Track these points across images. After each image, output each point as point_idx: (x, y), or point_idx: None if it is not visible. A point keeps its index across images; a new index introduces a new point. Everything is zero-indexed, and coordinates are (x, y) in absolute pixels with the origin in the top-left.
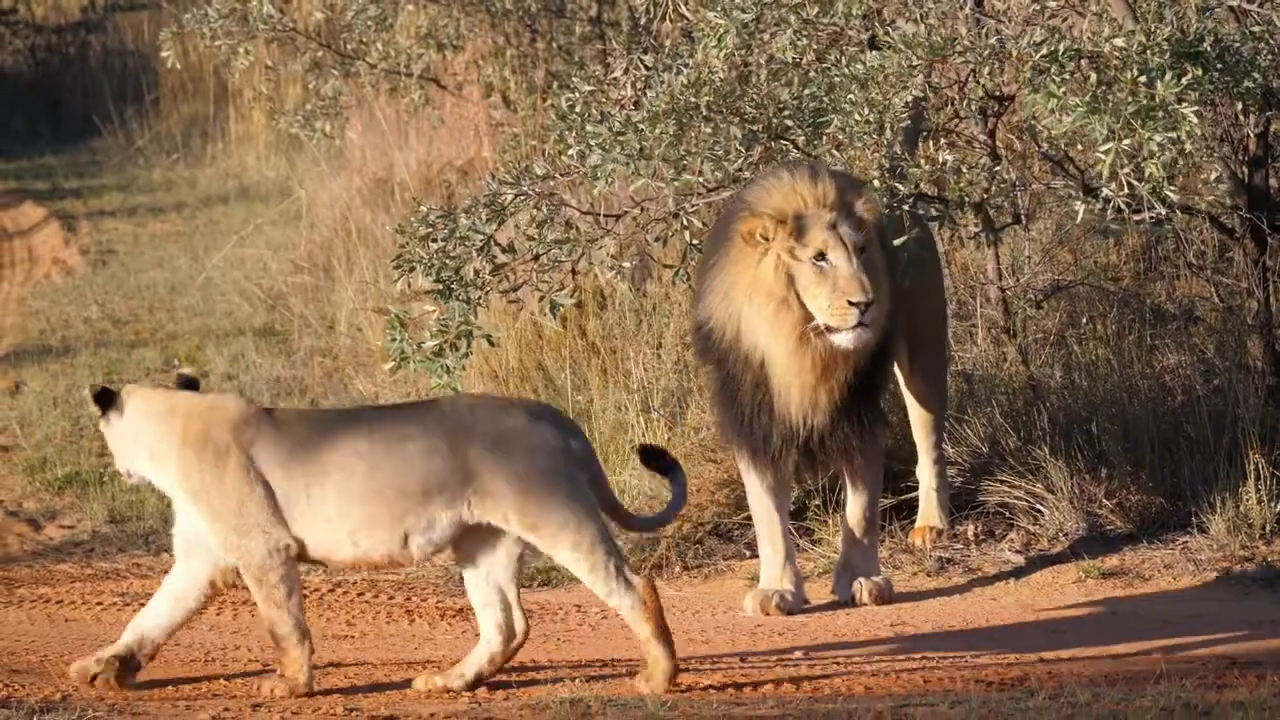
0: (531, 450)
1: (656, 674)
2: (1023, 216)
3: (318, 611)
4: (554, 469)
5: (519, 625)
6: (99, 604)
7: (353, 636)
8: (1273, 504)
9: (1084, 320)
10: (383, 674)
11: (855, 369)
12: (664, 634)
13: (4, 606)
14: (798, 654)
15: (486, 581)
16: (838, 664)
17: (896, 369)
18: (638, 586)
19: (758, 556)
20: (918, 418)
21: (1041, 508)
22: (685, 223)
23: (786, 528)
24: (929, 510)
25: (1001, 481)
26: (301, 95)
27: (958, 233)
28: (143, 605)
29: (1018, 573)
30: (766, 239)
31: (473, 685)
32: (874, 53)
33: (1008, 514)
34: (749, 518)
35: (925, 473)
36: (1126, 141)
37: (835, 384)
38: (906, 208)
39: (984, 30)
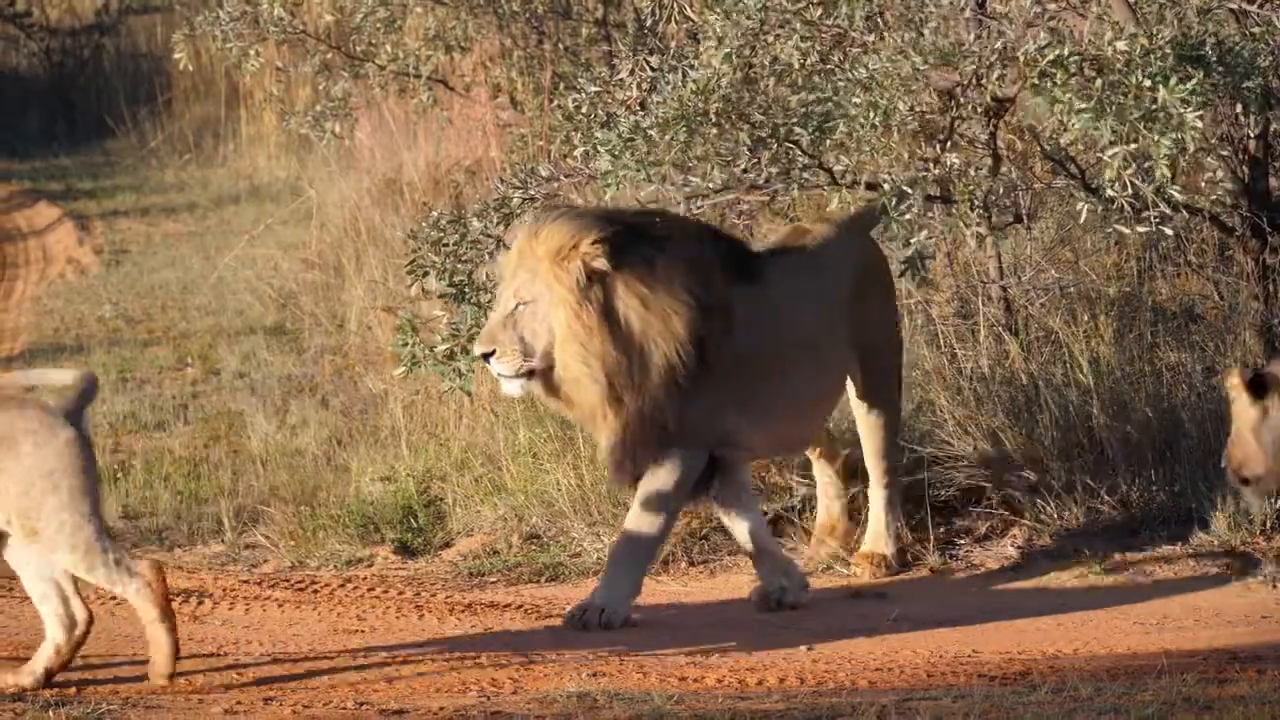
0: (37, 449)
1: (159, 657)
2: (1024, 216)
3: (328, 606)
4: (59, 469)
5: (80, 615)
6: (113, 598)
7: (363, 631)
8: (1273, 500)
9: (1085, 318)
10: (393, 669)
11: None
12: (168, 616)
13: (19, 602)
14: (802, 649)
15: (39, 577)
16: (841, 658)
17: (850, 390)
18: (142, 572)
19: None
20: (866, 441)
21: (1043, 503)
22: None
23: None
24: (874, 536)
25: (1004, 478)
26: (311, 96)
27: (960, 233)
28: None
29: (1019, 569)
30: None
31: (44, 681)
32: (878, 55)
33: (1009, 510)
34: None
35: (873, 497)
36: (1133, 145)
37: (601, 409)
38: (909, 216)
39: (987, 33)
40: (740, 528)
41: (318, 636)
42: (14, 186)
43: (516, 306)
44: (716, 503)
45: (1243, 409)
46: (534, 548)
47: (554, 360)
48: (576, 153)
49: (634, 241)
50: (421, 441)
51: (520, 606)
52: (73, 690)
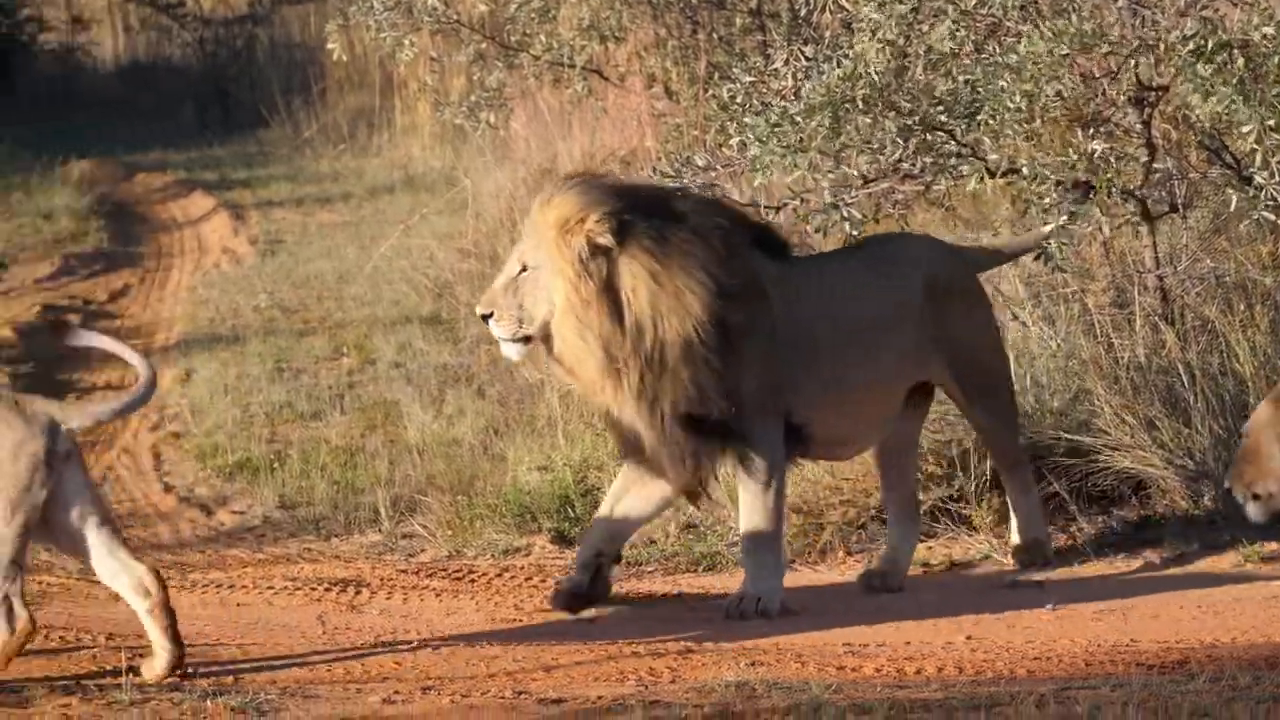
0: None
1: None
2: (1180, 205)
3: (485, 595)
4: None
5: (21, 616)
6: (270, 588)
7: (520, 620)
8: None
9: (1241, 308)
10: (550, 657)
11: (600, 369)
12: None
13: (177, 591)
14: (960, 638)
15: None
16: (999, 648)
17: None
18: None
19: (925, 539)
20: (988, 448)
21: (1201, 493)
22: (844, 214)
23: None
24: (1023, 527)
25: (1161, 468)
26: (466, 86)
27: (1113, 222)
28: (314, 589)
29: (1178, 558)
30: None
31: None
32: (1026, 40)
33: (1167, 500)
34: None
35: (1010, 492)
36: (1272, 122)
37: (600, 383)
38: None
39: (1139, 21)
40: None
41: (475, 626)
42: (169, 177)
43: (521, 272)
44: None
45: (1266, 421)
46: (691, 537)
47: (552, 330)
48: (731, 142)
49: (647, 218)
50: (578, 431)
51: (678, 595)
52: (230, 680)
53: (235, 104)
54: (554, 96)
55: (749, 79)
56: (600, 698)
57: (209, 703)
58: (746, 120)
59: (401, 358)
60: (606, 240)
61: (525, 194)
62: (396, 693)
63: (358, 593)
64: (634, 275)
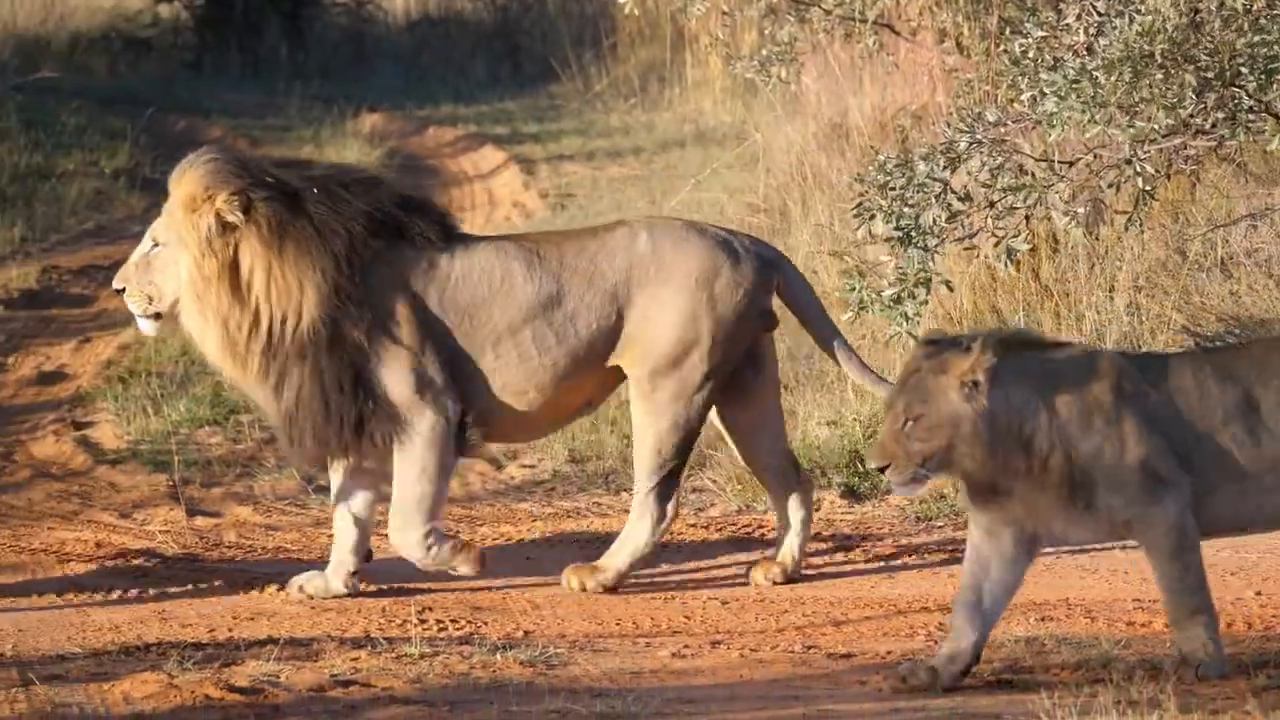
0: None
1: None
2: None
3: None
4: None
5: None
6: (561, 542)
7: (808, 575)
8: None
9: None
10: (840, 613)
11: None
12: None
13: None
14: (1250, 593)
15: None
16: None
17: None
18: None
19: None
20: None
21: None
22: (1138, 169)
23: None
24: None
25: None
26: (757, 41)
27: None
28: (603, 544)
29: None
30: None
31: None
32: None
33: None
34: None
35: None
36: None
37: (222, 360)
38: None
39: None
40: None
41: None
42: (460, 131)
43: (153, 247)
44: None
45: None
46: None
47: (179, 307)
48: (1023, 97)
49: (275, 200)
50: None
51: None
52: (520, 634)
53: (526, 57)
54: (845, 51)
55: (1040, 33)
56: (889, 652)
57: (498, 656)
58: (1043, 76)
59: None
60: (235, 218)
61: (816, 149)
62: (686, 647)
63: None
64: (253, 258)
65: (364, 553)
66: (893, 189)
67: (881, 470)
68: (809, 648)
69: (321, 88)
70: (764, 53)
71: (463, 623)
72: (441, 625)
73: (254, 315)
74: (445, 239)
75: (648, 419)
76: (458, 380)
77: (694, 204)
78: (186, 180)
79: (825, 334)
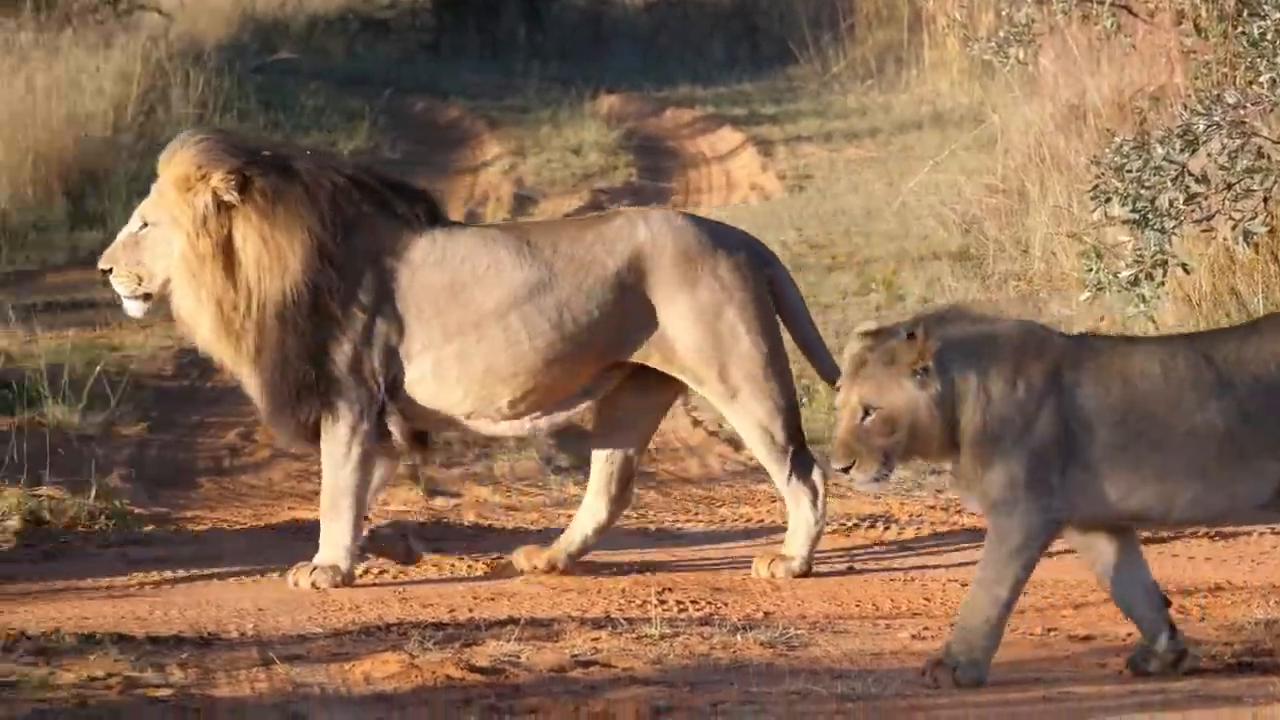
0: None
1: None
2: None
3: None
4: None
5: None
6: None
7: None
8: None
9: None
10: (1079, 594)
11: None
12: None
13: (707, 525)
14: None
15: None
16: None
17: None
18: None
19: None
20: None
21: None
22: None
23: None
24: None
25: None
26: (994, 22)
27: None
28: (842, 525)
29: None
30: None
31: None
32: None
33: None
34: None
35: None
36: None
37: (217, 343)
38: None
39: None
40: None
41: None
42: (698, 112)
43: (141, 228)
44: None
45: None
46: None
47: (170, 288)
48: (1262, 79)
49: (266, 175)
50: None
51: (1207, 535)
52: (760, 615)
53: (763, 39)
54: (1082, 32)
55: (1278, 15)
56: (1129, 635)
57: (738, 637)
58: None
59: (930, 294)
60: (232, 197)
61: (1053, 130)
62: (925, 629)
63: (886, 528)
64: (246, 232)
65: None
66: (1129, 171)
67: (846, 470)
68: (1049, 630)
69: (559, 69)
70: (1001, 34)
71: (702, 603)
72: (681, 606)
73: (247, 292)
74: (430, 220)
75: (743, 420)
76: (420, 362)
77: (931, 185)
78: (178, 160)
79: (810, 337)
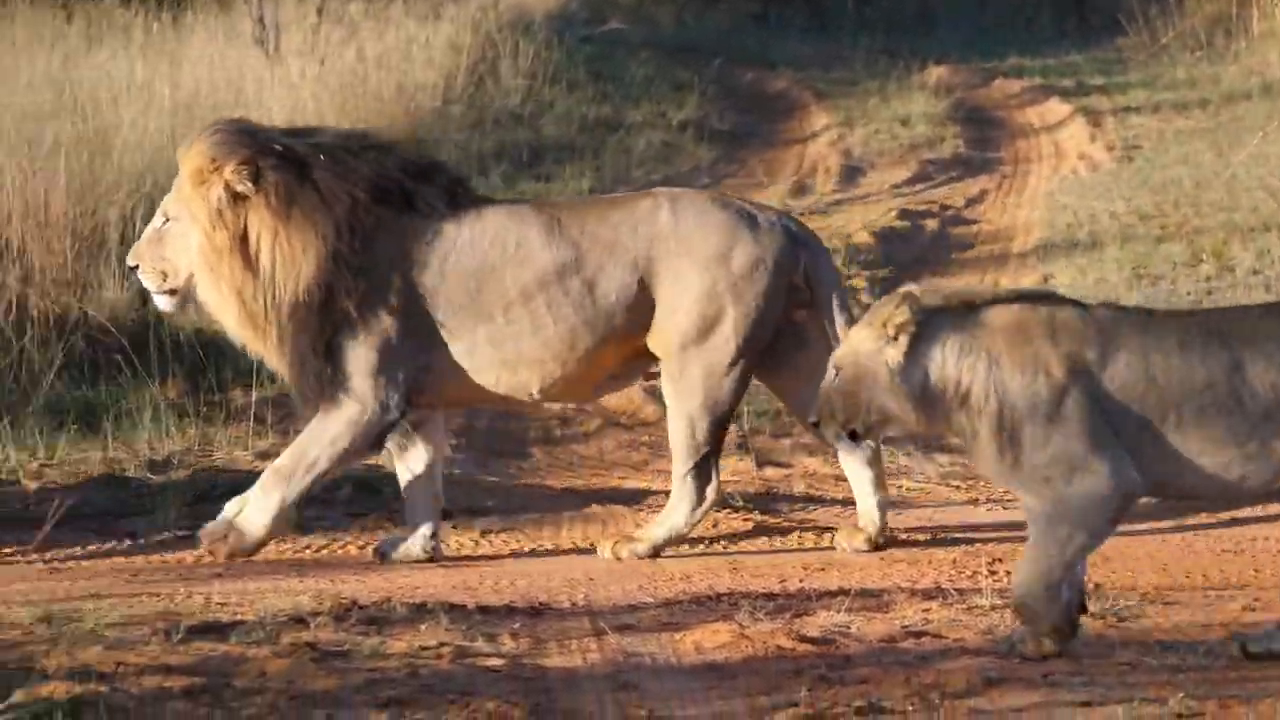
0: None
1: None
2: None
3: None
4: None
5: None
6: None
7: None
8: None
9: None
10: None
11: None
12: None
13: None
14: None
15: None
16: None
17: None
18: None
19: None
20: None
21: None
22: None
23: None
24: None
25: None
26: None
27: None
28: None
29: None
30: None
31: None
32: None
33: None
34: None
35: None
36: None
37: (243, 333)
38: None
39: None
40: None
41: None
42: (1026, 83)
43: (164, 223)
44: None
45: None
46: None
47: (194, 282)
48: None
49: (282, 169)
50: None
51: None
52: (1091, 585)
53: (1092, 10)
54: None
55: None
56: (1250, 607)
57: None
58: None
59: (1260, 265)
60: (245, 188)
61: None
62: (1256, 600)
63: None
64: (260, 226)
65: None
66: None
67: (816, 425)
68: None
69: (886, 40)
70: None
71: None
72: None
73: (265, 284)
74: (454, 205)
75: (678, 401)
76: (455, 349)
77: (1261, 157)
78: (193, 154)
79: (832, 320)
